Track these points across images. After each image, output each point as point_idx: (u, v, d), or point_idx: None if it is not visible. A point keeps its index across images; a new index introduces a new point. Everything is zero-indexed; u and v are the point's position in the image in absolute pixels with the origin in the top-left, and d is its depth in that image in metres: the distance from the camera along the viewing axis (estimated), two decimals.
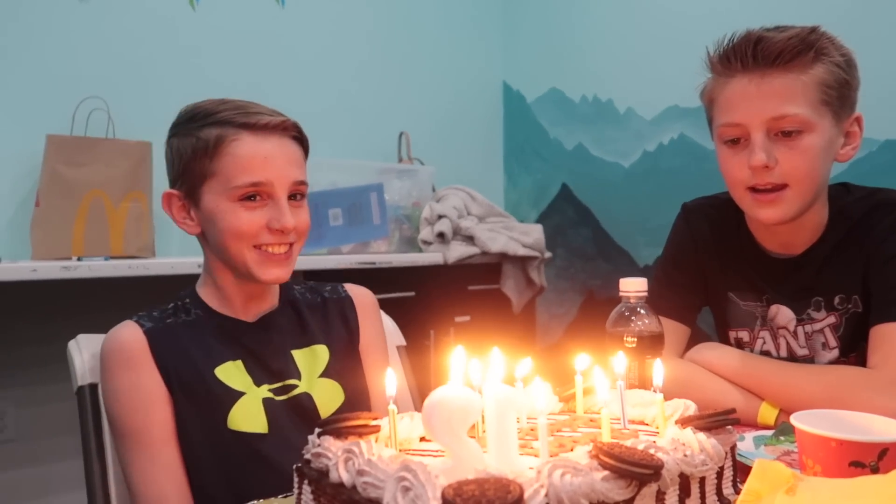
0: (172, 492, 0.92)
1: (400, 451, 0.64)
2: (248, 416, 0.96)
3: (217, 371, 0.97)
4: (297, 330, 1.07)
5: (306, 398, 1.01)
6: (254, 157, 0.97)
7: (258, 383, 0.99)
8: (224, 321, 1.02)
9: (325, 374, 1.04)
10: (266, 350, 1.02)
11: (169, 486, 0.92)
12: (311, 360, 1.05)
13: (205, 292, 1.04)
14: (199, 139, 0.97)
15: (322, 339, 1.08)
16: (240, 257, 0.98)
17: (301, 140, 1.04)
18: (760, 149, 1.02)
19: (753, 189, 1.06)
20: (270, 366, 1.01)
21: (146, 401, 0.94)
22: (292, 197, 1.01)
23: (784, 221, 1.07)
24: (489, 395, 0.57)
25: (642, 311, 0.92)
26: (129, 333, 0.97)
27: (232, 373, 0.98)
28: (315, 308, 1.11)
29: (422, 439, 0.69)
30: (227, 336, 1.01)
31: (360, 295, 1.17)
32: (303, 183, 1.02)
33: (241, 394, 0.97)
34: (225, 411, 0.95)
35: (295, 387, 1.02)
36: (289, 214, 0.98)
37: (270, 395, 0.99)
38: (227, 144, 0.96)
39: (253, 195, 0.97)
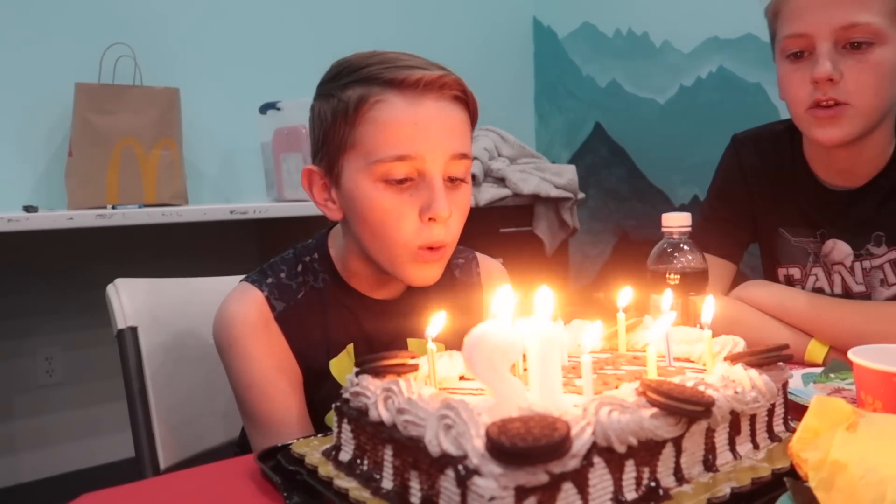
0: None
1: (439, 389, 0.63)
2: None
3: (332, 365, 0.89)
4: (418, 318, 0.93)
5: None
6: (401, 123, 0.79)
7: None
8: (348, 297, 0.91)
9: None
10: (382, 337, 0.92)
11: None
12: (422, 352, 0.99)
13: (335, 253, 0.92)
14: (339, 101, 0.81)
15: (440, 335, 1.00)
16: (384, 254, 0.83)
17: (466, 101, 0.84)
18: (825, 58, 0.95)
19: (814, 107, 0.99)
20: (379, 351, 0.94)
21: (282, 381, 0.86)
22: (450, 179, 0.82)
23: (844, 143, 1.00)
24: (532, 332, 0.55)
25: (685, 247, 0.89)
26: (258, 313, 0.86)
27: (344, 366, 0.90)
28: (443, 292, 0.94)
29: (461, 378, 0.69)
30: (349, 314, 0.91)
31: (491, 280, 1.01)
32: (464, 156, 0.82)
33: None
34: (327, 407, 0.86)
35: None
36: (443, 199, 0.79)
37: None
38: (370, 107, 0.79)
39: (402, 179, 0.80)
